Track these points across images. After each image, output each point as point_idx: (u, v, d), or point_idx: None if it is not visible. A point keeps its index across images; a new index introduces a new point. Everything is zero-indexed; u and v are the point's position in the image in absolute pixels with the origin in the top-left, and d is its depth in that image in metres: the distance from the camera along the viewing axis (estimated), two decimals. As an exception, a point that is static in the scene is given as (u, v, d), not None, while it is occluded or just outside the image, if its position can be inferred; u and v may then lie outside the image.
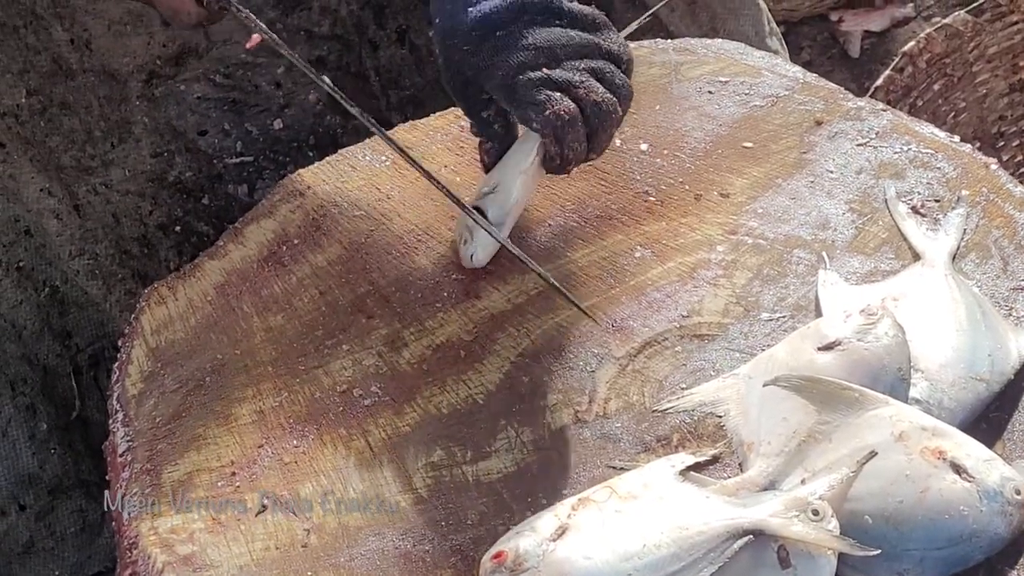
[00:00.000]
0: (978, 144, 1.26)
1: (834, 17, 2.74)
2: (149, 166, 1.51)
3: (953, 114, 2.07)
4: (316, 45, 1.54)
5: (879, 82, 1.96)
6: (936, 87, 2.03)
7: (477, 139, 1.18)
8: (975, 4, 2.03)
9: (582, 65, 1.12)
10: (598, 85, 1.11)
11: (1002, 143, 2.13)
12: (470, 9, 1.11)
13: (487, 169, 1.19)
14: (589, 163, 1.16)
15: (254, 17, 1.13)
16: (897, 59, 1.99)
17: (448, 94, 1.17)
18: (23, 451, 1.47)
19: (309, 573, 0.96)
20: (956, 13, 2.04)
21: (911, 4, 2.75)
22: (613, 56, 1.14)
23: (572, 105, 1.09)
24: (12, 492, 1.47)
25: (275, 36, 1.12)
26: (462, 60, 1.12)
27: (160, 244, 1.54)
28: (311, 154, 1.55)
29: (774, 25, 1.79)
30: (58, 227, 1.48)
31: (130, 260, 1.53)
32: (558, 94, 1.09)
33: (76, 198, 1.49)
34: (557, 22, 1.12)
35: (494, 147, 1.17)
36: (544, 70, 1.10)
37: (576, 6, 1.14)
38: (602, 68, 1.13)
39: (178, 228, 1.54)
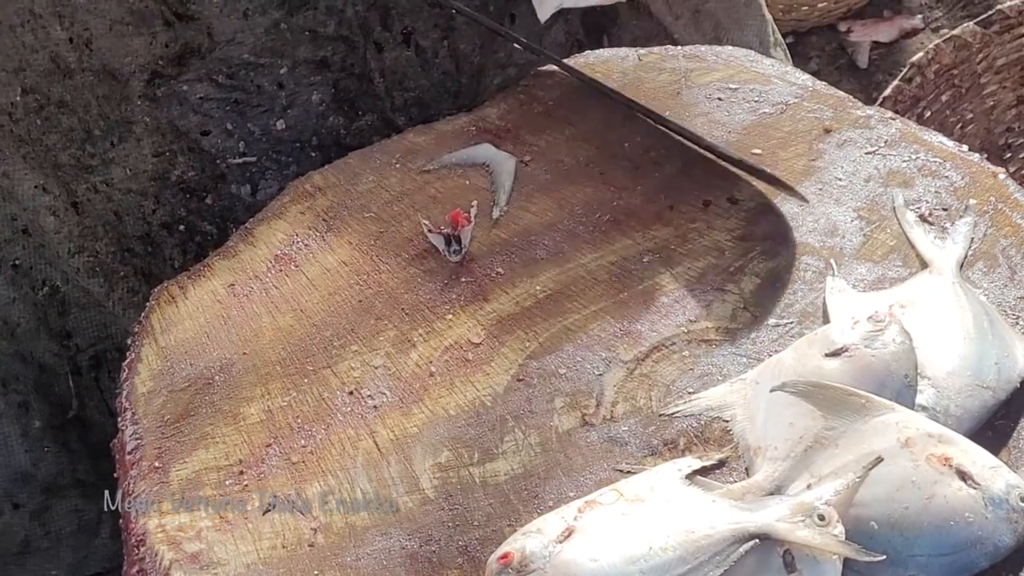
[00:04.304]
0: (985, 155, 1.26)
1: (843, 27, 2.74)
2: (151, 165, 1.51)
3: (960, 125, 2.07)
4: (321, 45, 1.54)
5: (887, 92, 1.97)
6: (944, 98, 2.03)
7: None
8: (983, 16, 2.03)
9: None
10: None
11: (1009, 155, 2.13)
12: None
13: None
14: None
15: None
16: (905, 70, 1.99)
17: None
18: (16, 448, 1.48)
19: (315, 572, 0.97)
20: (965, 25, 2.04)
21: (919, 15, 2.76)
22: None
23: None
24: (6, 489, 1.48)
25: None
26: None
27: (164, 242, 1.54)
28: (314, 155, 1.55)
29: (779, 36, 1.79)
30: (55, 224, 1.49)
31: (133, 258, 1.53)
32: None
33: (74, 196, 1.49)
34: None
35: None
36: None
37: None
38: None
39: (182, 227, 1.54)
